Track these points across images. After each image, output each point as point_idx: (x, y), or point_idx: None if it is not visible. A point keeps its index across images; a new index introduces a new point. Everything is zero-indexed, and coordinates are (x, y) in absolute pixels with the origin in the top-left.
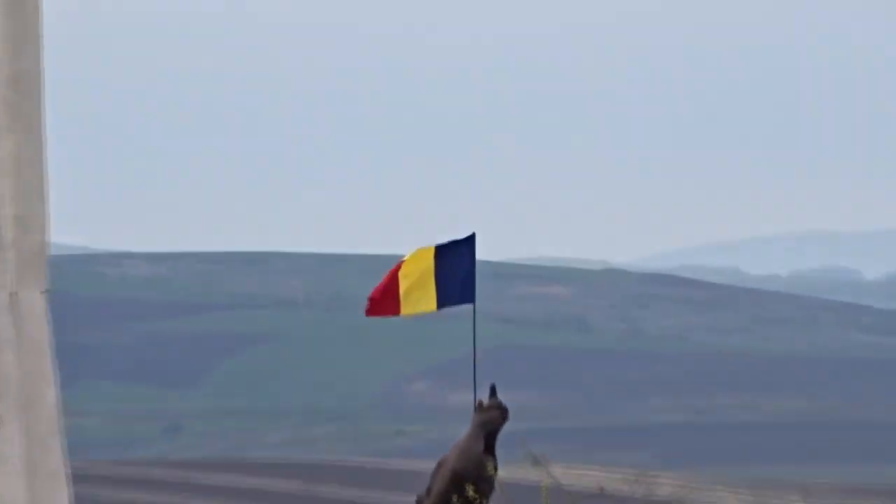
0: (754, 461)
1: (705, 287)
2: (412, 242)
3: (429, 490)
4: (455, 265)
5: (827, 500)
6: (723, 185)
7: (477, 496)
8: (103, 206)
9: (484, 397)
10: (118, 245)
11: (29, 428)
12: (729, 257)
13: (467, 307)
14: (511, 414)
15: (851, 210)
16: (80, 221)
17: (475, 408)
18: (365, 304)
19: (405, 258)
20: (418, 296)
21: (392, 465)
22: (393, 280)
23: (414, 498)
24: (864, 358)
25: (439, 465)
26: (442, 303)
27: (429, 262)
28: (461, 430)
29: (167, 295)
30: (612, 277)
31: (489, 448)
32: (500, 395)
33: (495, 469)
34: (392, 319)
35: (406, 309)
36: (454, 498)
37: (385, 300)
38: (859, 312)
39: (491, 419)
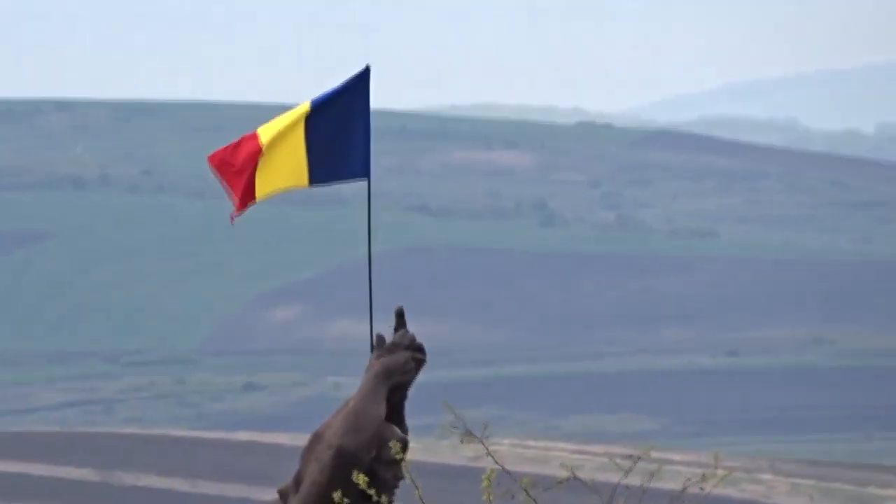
0: (820, 429)
1: (743, 151)
2: (270, 88)
3: (297, 479)
4: (340, 119)
5: None
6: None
7: (375, 490)
8: None
9: (387, 330)
10: None
11: None
12: (781, 103)
13: (357, 186)
14: (430, 356)
15: None
16: None
17: (373, 346)
18: (214, 185)
19: (267, 125)
20: (282, 168)
21: (237, 438)
22: (251, 155)
23: (274, 492)
24: None
25: (315, 438)
26: (319, 177)
27: (299, 118)
28: (349, 383)
29: None
30: (591, 137)
31: (395, 413)
32: (413, 327)
33: (405, 447)
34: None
35: (263, 188)
36: (337, 494)
37: (244, 184)
38: None
39: (398, 365)
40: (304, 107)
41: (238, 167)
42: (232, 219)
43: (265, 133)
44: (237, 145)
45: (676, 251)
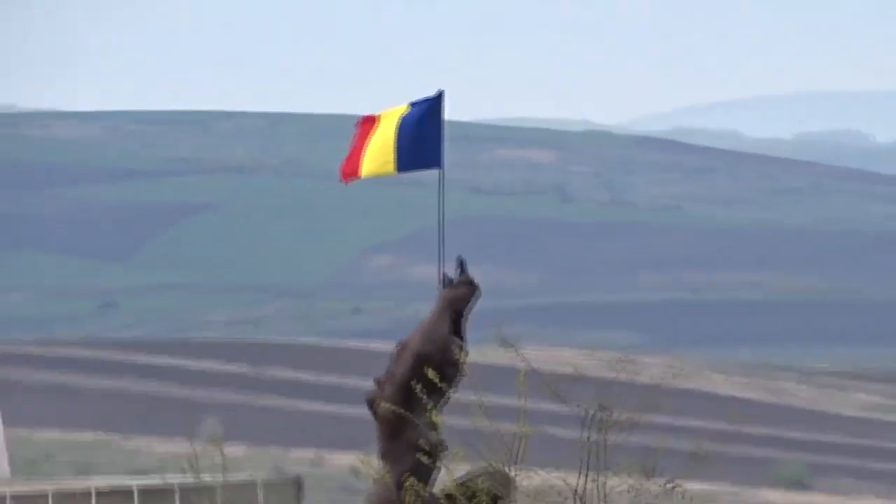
0: (752, 343)
1: (700, 152)
2: (371, 102)
3: (389, 374)
4: (421, 125)
5: (824, 385)
6: (721, 39)
7: (442, 382)
8: (30, 60)
9: (451, 272)
10: (46, 103)
11: None
12: (727, 119)
13: (433, 173)
14: (481, 291)
15: (862, 68)
16: (4, 77)
17: (441, 284)
18: (334, 171)
19: (377, 115)
20: (378, 157)
21: (348, 346)
22: (362, 140)
23: (371, 382)
24: (876, 231)
25: (401, 347)
26: (404, 166)
27: (393, 121)
28: (425, 308)
29: (99, 159)
30: (595, 141)
31: (456, 329)
32: (470, 271)
33: (463, 352)
34: (352, 189)
35: (365, 170)
36: (416, 384)
37: (351, 161)
38: (871, 180)
39: (459, 297)
40: (400, 109)
41: (354, 144)
42: (342, 182)
43: (375, 123)
44: (361, 126)
45: (654, 220)
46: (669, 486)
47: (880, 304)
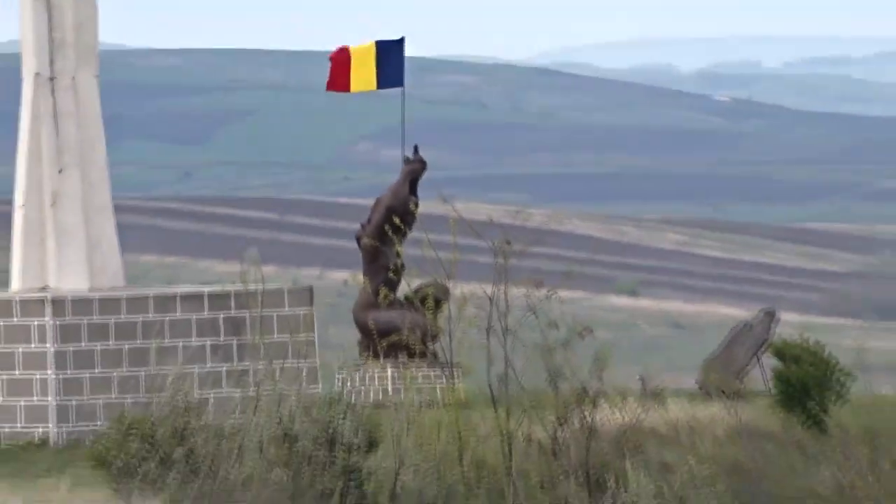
0: (600, 200)
1: (569, 77)
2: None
3: (368, 220)
4: (390, 58)
5: (648, 228)
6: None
7: (403, 225)
8: (138, 11)
9: (409, 154)
10: (147, 42)
11: (85, 174)
12: (586, 55)
13: (398, 89)
14: (428, 166)
15: (672, 20)
16: (120, 25)
17: (403, 161)
18: (325, 88)
19: (352, 47)
20: (364, 78)
21: (342, 202)
22: (345, 61)
23: (358, 225)
24: (676, 127)
25: (376, 202)
26: (380, 84)
27: (371, 54)
28: (392, 177)
29: (183, 79)
30: (502, 70)
31: (413, 190)
32: (421, 153)
33: (416, 206)
34: (344, 98)
35: (354, 87)
36: (386, 226)
37: (339, 79)
38: (676, 96)
39: (414, 169)
40: (372, 44)
41: (337, 63)
42: (327, 90)
43: (355, 52)
44: (342, 54)
45: (540, 123)
46: (550, 293)
47: (681, 174)
